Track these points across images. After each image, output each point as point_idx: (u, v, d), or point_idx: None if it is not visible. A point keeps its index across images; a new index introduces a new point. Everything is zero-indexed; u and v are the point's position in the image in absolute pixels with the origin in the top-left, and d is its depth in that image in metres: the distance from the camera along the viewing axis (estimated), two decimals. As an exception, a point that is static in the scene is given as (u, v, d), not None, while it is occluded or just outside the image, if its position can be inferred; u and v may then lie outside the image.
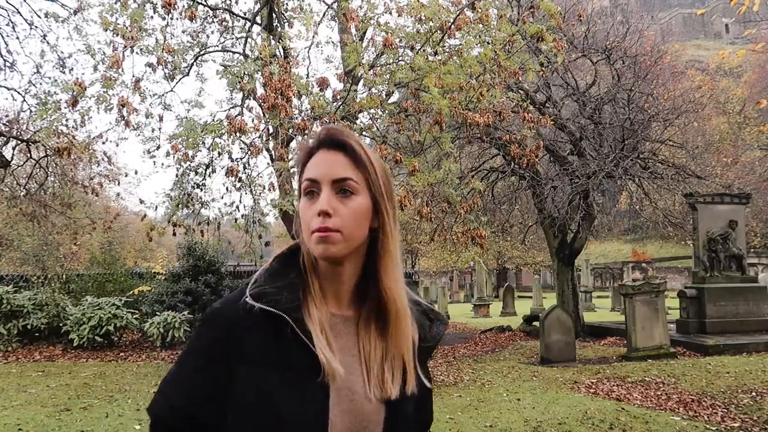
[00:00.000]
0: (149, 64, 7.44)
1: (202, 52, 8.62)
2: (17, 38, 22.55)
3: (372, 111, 7.56)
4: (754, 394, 6.33)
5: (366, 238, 0.93)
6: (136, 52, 7.20)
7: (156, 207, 9.01)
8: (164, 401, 0.93)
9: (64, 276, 12.51)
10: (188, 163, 7.99)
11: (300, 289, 0.91)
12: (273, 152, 7.37)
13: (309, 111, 7.08)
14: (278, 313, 0.87)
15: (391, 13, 8.11)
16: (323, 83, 7.01)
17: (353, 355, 0.93)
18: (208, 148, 7.64)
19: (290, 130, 6.81)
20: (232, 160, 7.64)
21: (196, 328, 0.98)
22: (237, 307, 0.90)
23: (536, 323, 11.38)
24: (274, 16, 8.11)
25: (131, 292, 12.06)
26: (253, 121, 7.56)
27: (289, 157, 7.30)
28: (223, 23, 8.82)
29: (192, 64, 8.46)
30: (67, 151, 7.33)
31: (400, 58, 7.40)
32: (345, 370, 0.90)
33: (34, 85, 11.47)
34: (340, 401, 0.89)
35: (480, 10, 6.90)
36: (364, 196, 0.91)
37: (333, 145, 0.91)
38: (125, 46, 6.73)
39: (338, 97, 7.35)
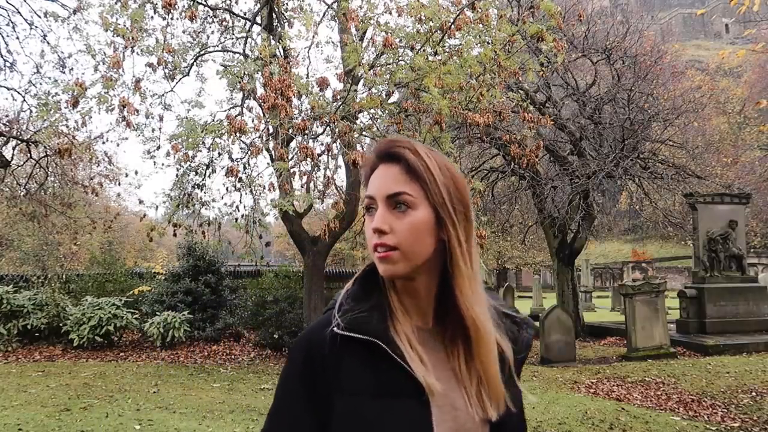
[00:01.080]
0: (149, 64, 7.45)
1: (202, 52, 8.63)
2: (17, 38, 22.59)
3: (372, 111, 7.55)
4: (754, 394, 6.33)
5: (434, 252, 0.88)
6: (137, 53, 7.22)
7: (156, 207, 9.03)
8: None
9: (64, 276, 12.48)
10: (188, 163, 8.00)
11: (385, 309, 0.89)
12: (273, 152, 7.37)
13: (309, 111, 7.08)
14: (371, 339, 0.85)
15: (391, 13, 8.11)
16: (323, 83, 7.01)
17: (448, 371, 0.89)
18: (208, 148, 7.65)
19: (290, 130, 6.81)
20: (232, 160, 7.64)
21: (285, 363, 0.93)
22: (325, 336, 0.87)
23: (536, 323, 11.38)
24: (274, 16, 8.12)
25: (131, 292, 12.05)
26: (253, 121, 7.57)
27: (289, 157, 7.30)
28: (223, 23, 8.83)
29: (192, 64, 8.47)
30: (68, 151, 7.33)
31: (400, 58, 7.40)
32: (443, 386, 0.86)
33: (34, 85, 11.47)
34: (444, 419, 0.85)
35: (480, 10, 6.89)
36: (423, 209, 0.86)
37: (388, 158, 0.88)
38: (125, 47, 6.74)
39: (338, 97, 7.35)
